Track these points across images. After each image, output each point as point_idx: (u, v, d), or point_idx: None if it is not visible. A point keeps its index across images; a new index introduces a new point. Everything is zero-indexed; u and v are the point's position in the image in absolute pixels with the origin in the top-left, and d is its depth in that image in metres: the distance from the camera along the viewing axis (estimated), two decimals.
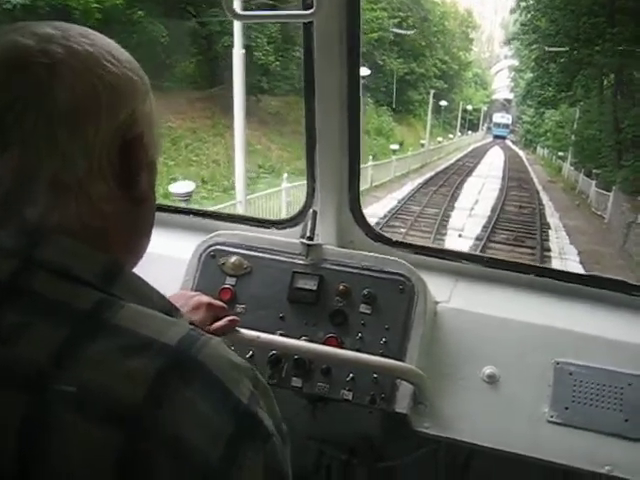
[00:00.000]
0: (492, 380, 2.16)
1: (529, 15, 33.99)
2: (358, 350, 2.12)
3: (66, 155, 0.96)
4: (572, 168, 38.45)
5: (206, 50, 31.84)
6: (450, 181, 32.33)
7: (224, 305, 2.01)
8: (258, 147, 30.56)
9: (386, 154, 37.08)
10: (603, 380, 2.08)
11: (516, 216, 24.06)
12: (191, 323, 1.14)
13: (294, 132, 34.69)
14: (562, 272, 2.70)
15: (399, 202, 24.02)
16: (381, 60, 49.29)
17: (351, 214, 2.47)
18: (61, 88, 0.94)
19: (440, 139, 53.14)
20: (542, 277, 2.46)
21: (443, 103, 59.23)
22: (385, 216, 20.84)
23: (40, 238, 0.95)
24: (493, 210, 24.17)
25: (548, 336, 2.18)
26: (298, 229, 2.46)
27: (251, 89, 33.56)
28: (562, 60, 32.97)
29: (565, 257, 17.83)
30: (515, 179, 36.79)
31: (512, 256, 16.63)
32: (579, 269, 16.56)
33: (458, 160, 46.24)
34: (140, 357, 0.87)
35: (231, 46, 28.63)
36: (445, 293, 2.35)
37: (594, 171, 31.00)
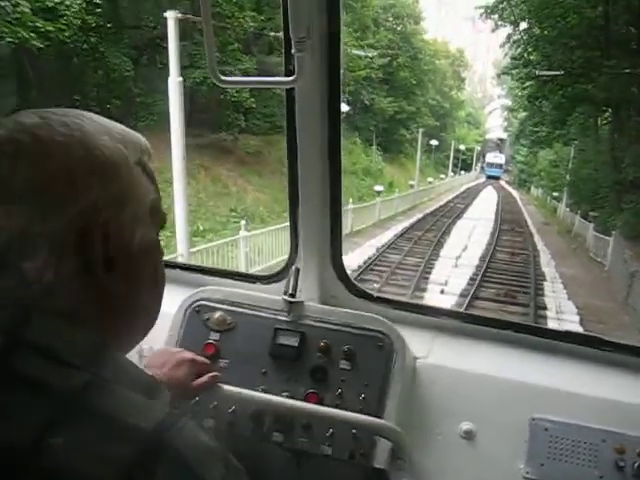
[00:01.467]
0: (469, 436, 2.17)
1: (519, 49, 31.69)
2: (337, 406, 2.14)
3: (30, 238, 0.98)
4: (568, 209, 36.34)
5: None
6: (438, 225, 29.83)
7: (207, 361, 2.02)
8: (233, 189, 28.26)
9: (374, 195, 34.79)
10: (578, 436, 2.10)
11: (508, 265, 21.36)
12: (172, 380, 1.77)
13: (274, 172, 32.67)
14: (538, 328, 2.75)
15: (377, 250, 21.38)
16: (369, 99, 47.54)
17: (333, 271, 2.49)
18: (22, 175, 0.97)
19: (431, 179, 50.93)
20: (519, 333, 2.47)
21: (434, 142, 57.39)
22: (359, 267, 18.19)
23: (27, 317, 0.98)
24: (482, 258, 21.53)
25: (524, 392, 2.19)
26: (283, 284, 2.40)
27: (228, 127, 31.75)
28: (556, 97, 30.69)
29: (563, 317, 15.15)
30: (508, 221, 34.35)
31: (501, 316, 14.03)
32: (579, 330, 13.96)
33: (449, 201, 43.83)
34: (117, 443, 0.90)
35: (203, 82, 27.10)
36: (424, 349, 2.37)
37: (591, 213, 28.92)
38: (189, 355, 1.96)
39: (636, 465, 2.04)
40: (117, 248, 1.05)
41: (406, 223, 29.61)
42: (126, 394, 0.99)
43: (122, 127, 1.14)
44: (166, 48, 27.00)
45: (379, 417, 2.11)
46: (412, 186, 41.93)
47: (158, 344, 2.15)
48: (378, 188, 32.30)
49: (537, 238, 29.68)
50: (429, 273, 18.55)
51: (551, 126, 35.40)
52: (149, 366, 1.82)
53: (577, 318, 15.31)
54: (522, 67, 31.53)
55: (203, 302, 2.39)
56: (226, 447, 1.21)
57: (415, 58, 54.69)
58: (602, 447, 2.07)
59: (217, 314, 2.35)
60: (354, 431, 2.11)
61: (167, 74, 27.01)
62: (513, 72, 33.19)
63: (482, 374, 2.26)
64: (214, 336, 2.32)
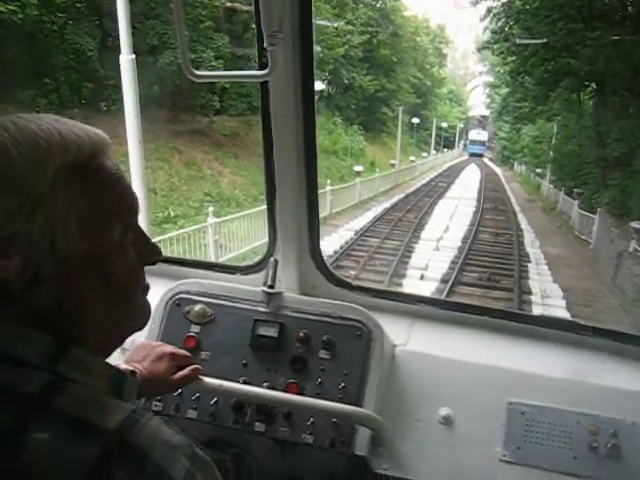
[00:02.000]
0: (447, 421, 2.22)
1: (500, 22, 30.48)
2: (318, 395, 2.19)
3: None
4: (551, 186, 35.53)
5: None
6: (419, 205, 28.86)
7: (187, 354, 2.00)
8: (208, 173, 27.19)
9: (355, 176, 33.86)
10: (553, 419, 2.15)
11: (491, 246, 20.44)
12: (154, 373, 1.80)
13: (251, 154, 31.68)
14: (515, 313, 2.81)
15: (355, 234, 20.38)
16: (349, 77, 46.47)
17: (312, 260, 2.51)
18: None
19: (413, 158, 49.92)
20: (496, 319, 2.51)
21: (415, 120, 56.39)
22: (335, 253, 17.20)
23: None
24: (464, 240, 20.61)
25: (501, 377, 2.24)
26: (262, 275, 2.44)
27: (203, 109, 30.64)
28: (538, 72, 29.68)
29: (548, 302, 14.27)
30: (491, 199, 33.44)
31: (484, 302, 13.17)
32: (565, 315, 13.15)
33: (431, 180, 42.86)
34: (81, 442, 0.92)
35: (173, 62, 25.91)
36: (403, 336, 2.41)
37: (576, 190, 28.01)
38: (170, 348, 1.95)
39: (609, 445, 2.09)
40: (38, 261, 1.03)
41: (387, 204, 28.65)
42: (88, 392, 1.01)
43: (61, 129, 1.07)
44: (137, 28, 26.36)
45: (359, 405, 2.15)
46: (393, 165, 40.86)
47: (140, 337, 2.10)
48: (358, 168, 31.31)
49: (521, 216, 28.84)
50: (409, 257, 17.61)
51: (534, 102, 34.55)
52: (130, 361, 1.83)
53: (563, 303, 14.45)
54: (503, 41, 30.39)
55: (183, 295, 2.42)
56: (208, 437, 2.02)
57: (395, 35, 53.55)
58: (577, 429, 2.13)
59: (197, 307, 2.38)
60: (334, 420, 2.15)
61: (142, 56, 26.63)
62: (494, 47, 32.00)
63: (460, 360, 2.30)
64: (195, 329, 2.36)
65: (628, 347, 2.40)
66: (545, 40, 26.46)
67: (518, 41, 28.33)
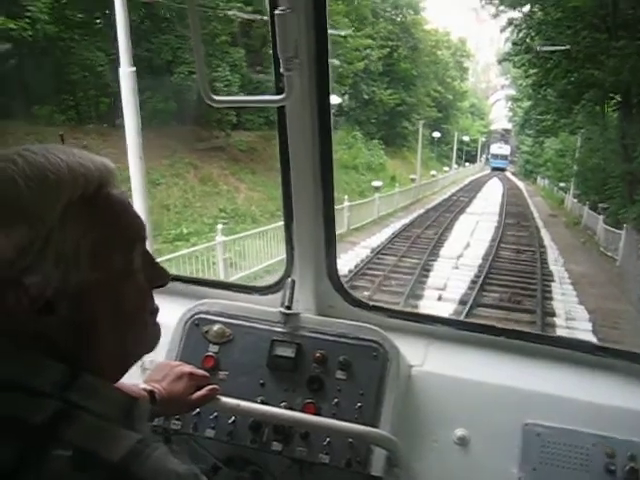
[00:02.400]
0: (463, 442, 2.21)
1: (521, 33, 29.60)
2: (334, 415, 2.19)
3: None
4: (575, 200, 34.59)
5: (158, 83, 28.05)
6: (440, 220, 28.02)
7: (206, 374, 2.04)
8: (224, 188, 26.67)
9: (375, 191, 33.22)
10: (569, 441, 2.13)
11: (512, 264, 19.59)
12: (173, 393, 1.83)
13: (269, 169, 31.12)
14: (531, 334, 2.69)
15: (372, 251, 19.64)
16: (370, 91, 45.94)
17: (329, 281, 2.52)
18: None
19: (434, 172, 49.05)
20: (512, 339, 2.50)
21: (436, 134, 55.57)
22: (350, 272, 16.47)
23: None
24: (485, 257, 19.79)
25: (517, 398, 2.23)
26: (280, 295, 2.44)
27: (220, 124, 30.18)
28: (561, 84, 28.78)
29: (573, 324, 13.43)
30: (513, 215, 32.51)
31: (505, 325, 12.34)
32: (591, 339, 12.27)
33: (452, 195, 41.93)
34: (85, 474, 0.94)
35: (189, 76, 25.49)
36: (419, 357, 2.42)
37: (601, 205, 27.12)
38: (188, 368, 1.97)
39: (627, 469, 2.06)
40: (50, 293, 1.05)
41: (406, 220, 27.89)
42: (96, 422, 1.02)
43: (68, 161, 1.09)
44: (152, 42, 26.01)
45: (375, 425, 2.15)
46: (413, 180, 40.10)
47: (159, 357, 2.19)
48: (376, 184, 30.62)
49: (544, 232, 27.85)
50: (426, 277, 16.85)
51: (556, 114, 33.66)
52: (149, 380, 1.85)
53: (589, 325, 13.61)
54: (524, 53, 29.53)
55: (202, 315, 2.43)
56: (227, 455, 2.21)
57: (416, 49, 52.92)
58: (593, 451, 2.10)
59: (216, 327, 2.40)
60: (350, 440, 2.14)
61: (157, 71, 26.32)
62: (515, 58, 31.13)
63: (476, 380, 2.30)
64: (213, 348, 2.37)
65: None
66: (569, 47, 25.54)
67: (540, 49, 27.46)
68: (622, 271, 20.80)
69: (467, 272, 17.59)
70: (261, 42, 31.65)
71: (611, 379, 2.35)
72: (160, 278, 1.27)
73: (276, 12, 1.76)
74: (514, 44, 30.45)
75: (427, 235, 23.60)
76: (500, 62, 34.07)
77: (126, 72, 10.65)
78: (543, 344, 2.49)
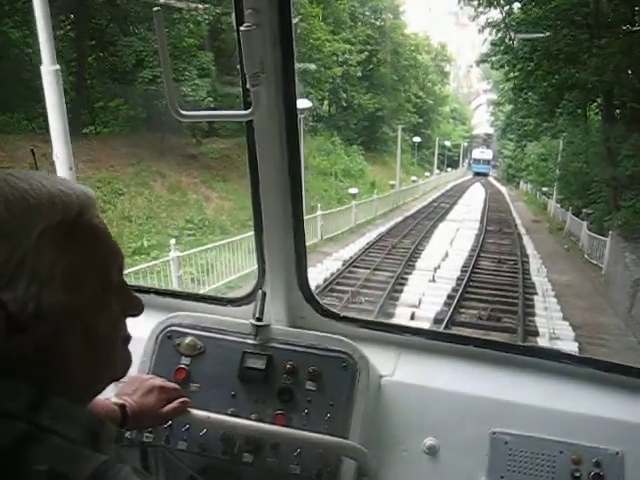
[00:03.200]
0: (432, 451, 2.25)
1: (500, 33, 28.32)
2: (304, 426, 2.20)
3: None
4: (558, 205, 33.46)
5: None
6: (418, 228, 26.77)
7: (176, 387, 2.06)
8: (193, 198, 25.25)
9: (360, 196, 32.03)
10: (537, 448, 2.17)
11: (493, 275, 18.33)
12: (144, 406, 1.87)
13: (242, 176, 29.70)
14: (499, 343, 2.76)
15: (344, 264, 18.27)
16: (349, 96, 44.86)
17: (300, 292, 2.52)
18: None
19: (414, 178, 47.76)
20: (480, 348, 2.51)
21: (417, 139, 54.40)
22: (317, 288, 15.05)
23: None
24: (464, 268, 18.52)
25: (485, 407, 2.26)
26: (252, 306, 2.45)
27: (191, 130, 28.82)
28: (542, 87, 27.58)
29: (557, 344, 12.16)
30: (495, 221, 31.39)
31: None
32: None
33: (433, 201, 40.70)
34: None
35: (153, 81, 24.10)
36: (389, 367, 2.43)
37: (584, 210, 26.07)
38: (159, 382, 1.99)
39: (591, 474, 2.11)
40: (25, 312, 1.06)
41: (383, 228, 26.56)
42: (63, 444, 1.03)
43: (50, 188, 1.12)
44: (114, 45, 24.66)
45: (345, 435, 2.16)
46: (393, 186, 38.83)
47: (132, 369, 1.77)
48: (353, 190, 29.29)
49: (526, 239, 26.70)
50: (400, 292, 15.53)
51: (538, 118, 32.61)
52: (121, 394, 1.87)
53: (574, 346, 12.38)
54: (502, 53, 28.28)
55: (174, 328, 2.42)
56: (201, 466, 2.19)
57: (395, 53, 51.80)
58: (560, 458, 2.14)
59: (188, 339, 2.39)
60: (320, 450, 2.15)
61: (126, 76, 25.01)
62: (493, 59, 29.88)
63: (445, 390, 2.32)
64: (185, 361, 2.36)
65: (612, 376, 2.37)
66: (548, 34, 24.17)
67: (516, 36, 26.18)
68: (608, 280, 19.75)
69: (444, 285, 16.33)
70: (232, 46, 30.49)
71: (578, 387, 2.36)
72: (134, 307, 1.28)
73: (241, 29, 1.74)
74: (492, 44, 29.14)
75: (404, 245, 22.33)
76: (478, 63, 32.68)
77: (48, 70, 9.22)
78: (511, 353, 2.49)
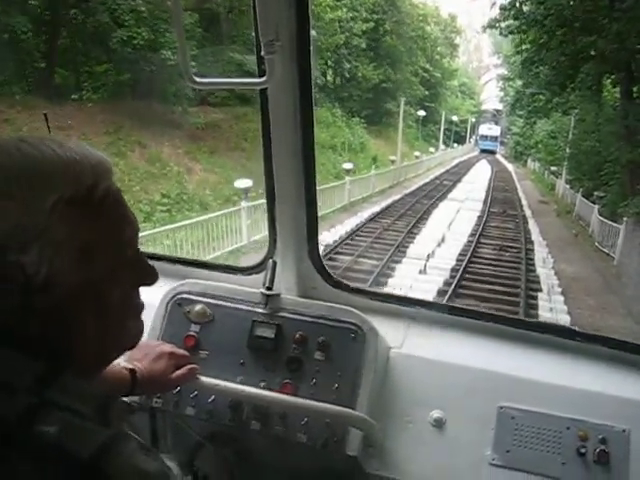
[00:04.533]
0: (439, 424, 2.22)
1: None
2: (312, 395, 2.19)
3: None
4: (567, 186, 31.25)
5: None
6: (416, 208, 24.42)
7: (186, 353, 2.07)
8: (175, 169, 23.02)
9: (355, 172, 29.97)
10: (543, 424, 2.14)
11: (493, 266, 15.97)
12: (153, 372, 1.86)
13: (232, 149, 27.58)
14: (509, 318, 2.71)
15: (324, 250, 15.96)
16: (353, 67, 42.51)
17: (311, 263, 2.50)
18: None
19: (417, 153, 45.30)
20: (491, 322, 2.50)
21: (421, 113, 51.91)
22: None
23: None
24: (461, 257, 16.25)
25: (493, 381, 2.24)
26: (262, 276, 2.43)
27: (178, 98, 26.52)
28: (554, 57, 24.98)
29: None
30: (499, 201, 29.06)
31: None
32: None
33: (436, 178, 38.26)
34: (56, 468, 0.93)
35: (129, 42, 21.74)
36: (398, 339, 2.42)
37: (596, 193, 23.86)
38: (168, 348, 1.99)
39: (597, 451, 2.07)
40: (34, 290, 1.04)
41: (377, 207, 24.20)
42: (70, 418, 0.99)
43: (64, 157, 1.08)
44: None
45: (352, 406, 2.15)
46: (393, 161, 36.41)
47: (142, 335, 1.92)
48: (347, 166, 26.82)
49: (532, 223, 24.25)
50: (383, 284, 13.28)
51: (549, 93, 30.23)
52: (130, 359, 1.86)
53: None
54: (512, 19, 25.60)
55: (184, 295, 2.42)
56: (209, 432, 2.26)
57: (402, 23, 49.15)
58: (566, 434, 2.11)
59: (197, 307, 2.38)
60: (327, 420, 2.14)
61: (105, 36, 22.67)
62: (502, 24, 27.16)
63: (453, 363, 2.29)
64: (194, 328, 2.36)
65: (620, 354, 2.35)
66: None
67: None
68: (620, 272, 17.69)
69: (435, 277, 14.06)
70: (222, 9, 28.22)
71: (587, 364, 2.34)
72: (148, 277, 1.26)
73: None
74: (502, 9, 26.42)
75: (397, 227, 19.99)
76: (485, 29, 29.93)
77: None
78: (521, 328, 2.46)
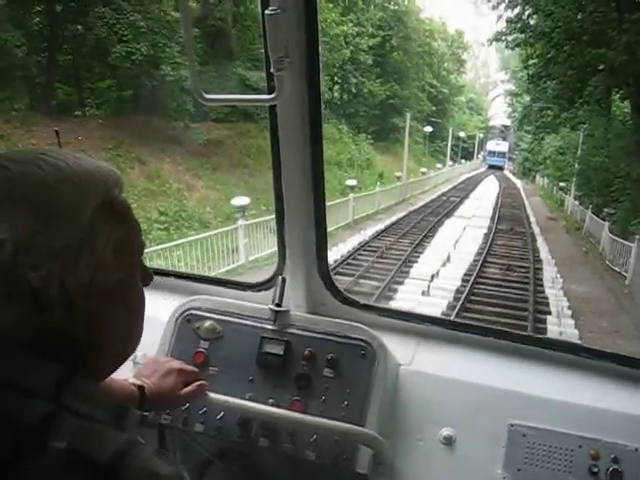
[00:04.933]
0: (449, 441, 2.19)
1: (516, 9, 25.02)
2: (321, 412, 2.17)
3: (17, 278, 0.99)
4: (577, 203, 30.53)
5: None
6: (421, 226, 23.71)
7: (195, 370, 2.04)
8: (175, 186, 22.49)
9: (360, 189, 29.64)
10: (555, 442, 2.11)
11: (499, 287, 15.21)
12: (162, 388, 1.83)
13: (236, 165, 27.09)
14: (519, 335, 2.63)
15: None
16: (360, 83, 42.12)
17: (320, 279, 2.48)
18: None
19: (424, 169, 44.64)
20: (501, 339, 2.45)
21: (428, 129, 51.36)
22: None
23: None
24: (466, 277, 15.52)
25: (504, 398, 2.21)
26: (272, 292, 2.42)
27: (178, 114, 26.05)
28: (562, 71, 24.38)
29: None
30: (507, 219, 28.30)
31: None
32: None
33: (442, 194, 37.53)
34: (73, 472, 0.93)
35: (128, 57, 21.27)
36: (408, 355, 2.39)
37: (606, 210, 23.14)
38: (177, 364, 1.97)
39: (609, 470, 2.04)
40: (74, 292, 1.05)
41: (382, 225, 23.51)
42: (87, 424, 1.00)
43: (86, 166, 1.11)
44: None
45: (361, 423, 2.13)
46: (399, 178, 35.75)
47: (151, 351, 2.22)
48: (350, 182, 26.29)
49: (540, 241, 23.44)
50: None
51: (557, 108, 29.73)
52: (139, 375, 1.85)
53: None
54: (519, 32, 25.01)
55: (194, 311, 2.42)
56: (218, 449, 2.17)
57: (409, 39, 48.73)
58: (578, 453, 2.08)
59: (207, 323, 2.37)
60: (337, 438, 2.12)
61: (105, 52, 22.22)
62: (509, 38, 26.58)
63: (463, 380, 2.26)
64: (204, 344, 2.35)
65: (632, 371, 2.29)
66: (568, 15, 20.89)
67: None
68: (633, 292, 16.95)
69: (439, 300, 13.32)
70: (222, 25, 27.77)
71: (599, 381, 2.29)
72: (149, 277, 1.29)
73: (267, 12, 1.70)
74: (508, 22, 25.83)
75: (400, 246, 19.28)
76: (491, 42, 29.44)
77: None
78: (531, 345, 2.41)
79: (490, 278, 15.97)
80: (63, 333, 1.05)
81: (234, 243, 16.32)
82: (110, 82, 25.65)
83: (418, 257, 17.69)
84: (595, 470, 2.03)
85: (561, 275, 17.22)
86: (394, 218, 25.58)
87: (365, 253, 17.85)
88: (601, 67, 21.98)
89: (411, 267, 16.29)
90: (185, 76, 22.91)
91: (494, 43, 30.22)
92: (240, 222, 15.97)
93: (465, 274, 15.90)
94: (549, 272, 17.46)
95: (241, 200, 15.90)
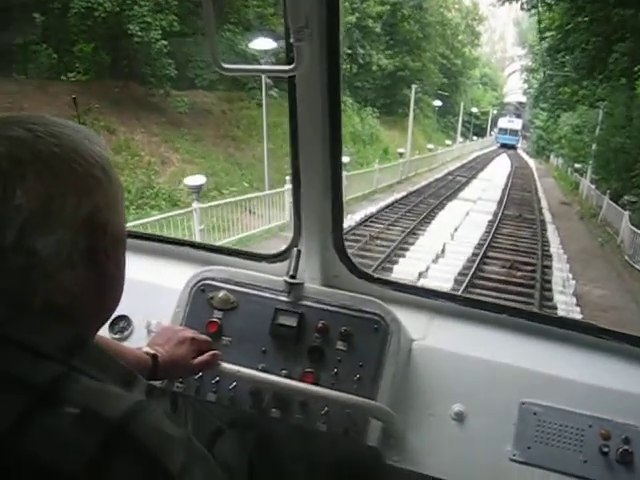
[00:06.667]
0: (460, 417, 2.15)
1: None
2: (333, 385, 2.14)
3: (35, 253, 1.02)
4: (593, 186, 28.17)
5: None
6: (419, 209, 20.92)
7: (208, 339, 2.03)
8: (146, 159, 19.84)
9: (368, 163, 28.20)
10: (565, 421, 2.08)
11: (498, 291, 12.40)
12: (175, 357, 1.82)
13: (223, 136, 24.39)
14: (533, 313, 2.76)
15: None
16: (367, 54, 39.18)
17: (335, 252, 2.43)
18: (26, 194, 1.00)
19: (431, 146, 41.75)
20: (514, 317, 2.43)
21: (437, 103, 48.37)
22: None
23: (12, 315, 1.02)
24: (461, 277, 12.80)
25: (516, 376, 2.19)
26: (286, 264, 2.39)
27: (159, 80, 23.33)
28: (583, 38, 21.41)
29: None
30: (516, 202, 25.54)
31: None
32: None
33: (449, 173, 34.61)
34: (83, 432, 0.92)
35: (89, 12, 18.43)
36: (421, 330, 2.36)
37: (626, 197, 21.01)
38: (190, 333, 1.97)
39: (620, 451, 2.00)
40: (110, 247, 1.13)
41: (373, 208, 20.64)
42: (95, 385, 1.01)
43: (83, 132, 1.14)
44: None
45: (373, 397, 2.10)
46: (402, 154, 32.83)
47: (165, 320, 2.23)
48: (343, 159, 23.40)
49: (551, 230, 20.59)
50: None
51: (576, 81, 26.77)
52: (153, 344, 1.86)
53: None
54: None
55: (208, 281, 2.37)
56: (230, 418, 2.01)
57: (420, 8, 45.54)
58: (588, 432, 2.05)
59: (221, 293, 2.32)
60: (348, 410, 2.10)
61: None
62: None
63: (476, 357, 2.23)
64: (217, 314, 2.31)
65: None
66: None
67: None
68: None
69: None
70: None
71: (612, 362, 2.26)
72: None
73: None
74: None
75: (390, 235, 16.49)
76: (503, 2, 26.45)
77: None
78: (545, 324, 2.38)
79: (488, 279, 13.15)
80: (71, 297, 1.06)
81: (193, 229, 13.68)
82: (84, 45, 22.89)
83: (407, 250, 14.94)
84: (605, 450, 1.99)
85: (573, 275, 14.37)
86: (391, 199, 22.74)
87: (348, 244, 15.05)
88: (626, 35, 18.93)
89: (396, 263, 13.55)
90: (156, 38, 20.35)
91: (508, 7, 27.40)
92: (195, 205, 13.22)
93: (460, 273, 13.13)
94: (559, 271, 14.59)
95: (195, 180, 13.14)
